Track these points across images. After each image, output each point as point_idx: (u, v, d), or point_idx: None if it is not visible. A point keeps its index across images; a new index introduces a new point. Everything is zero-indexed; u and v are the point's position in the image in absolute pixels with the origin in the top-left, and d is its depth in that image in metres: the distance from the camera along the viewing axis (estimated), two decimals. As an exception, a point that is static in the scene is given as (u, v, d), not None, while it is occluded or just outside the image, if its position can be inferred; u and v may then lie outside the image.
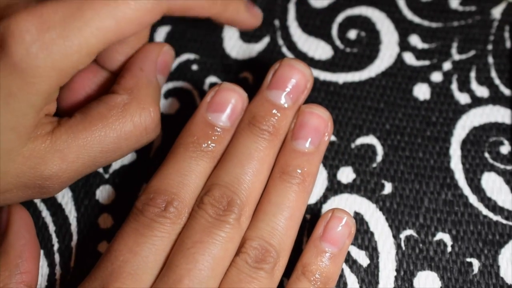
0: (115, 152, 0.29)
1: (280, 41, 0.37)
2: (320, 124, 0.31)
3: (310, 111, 0.31)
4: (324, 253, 0.29)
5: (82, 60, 0.26)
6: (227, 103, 0.30)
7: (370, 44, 0.37)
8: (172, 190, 0.29)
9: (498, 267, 0.31)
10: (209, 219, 0.28)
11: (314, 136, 0.30)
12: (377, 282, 0.31)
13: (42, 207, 0.33)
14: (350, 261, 0.32)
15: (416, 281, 0.31)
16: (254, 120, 0.30)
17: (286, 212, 0.29)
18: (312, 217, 0.33)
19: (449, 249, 0.32)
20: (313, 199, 0.33)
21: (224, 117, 0.30)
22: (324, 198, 0.33)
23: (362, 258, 0.32)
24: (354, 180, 0.33)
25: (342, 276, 0.31)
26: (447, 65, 0.36)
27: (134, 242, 0.28)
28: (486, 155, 0.34)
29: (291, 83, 0.31)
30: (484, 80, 0.36)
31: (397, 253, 0.32)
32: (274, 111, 0.30)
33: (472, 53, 0.36)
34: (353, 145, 0.34)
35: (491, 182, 0.33)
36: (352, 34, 0.37)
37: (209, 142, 0.30)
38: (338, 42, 0.37)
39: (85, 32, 0.26)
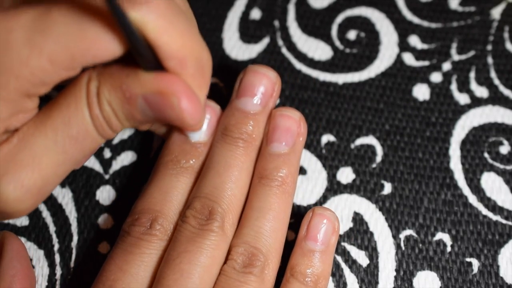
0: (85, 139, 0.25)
1: (280, 42, 0.37)
2: (292, 124, 0.31)
3: (280, 114, 0.31)
4: (310, 252, 0.29)
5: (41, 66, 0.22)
6: None
7: (370, 44, 0.37)
8: (156, 208, 0.29)
9: (498, 267, 0.31)
10: (193, 230, 0.28)
11: (287, 137, 0.31)
12: (376, 282, 0.31)
13: (42, 207, 0.33)
14: (350, 261, 0.32)
15: (415, 281, 0.31)
16: (227, 130, 0.31)
17: (269, 215, 0.29)
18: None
19: (448, 249, 0.32)
20: (313, 199, 0.33)
21: (201, 133, 0.31)
22: (324, 198, 0.33)
23: (361, 258, 0.32)
24: (354, 180, 0.33)
25: (342, 276, 0.31)
26: (446, 66, 0.36)
27: (124, 260, 0.28)
28: (486, 155, 0.34)
29: (257, 88, 0.31)
30: (484, 80, 0.36)
31: (396, 253, 0.32)
32: (244, 118, 0.31)
33: (471, 53, 0.37)
34: (352, 146, 0.34)
35: (491, 182, 0.33)
36: (352, 34, 0.37)
37: (188, 158, 0.30)
38: (337, 43, 0.37)
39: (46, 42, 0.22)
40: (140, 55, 0.23)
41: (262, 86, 0.31)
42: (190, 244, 0.28)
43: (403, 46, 0.37)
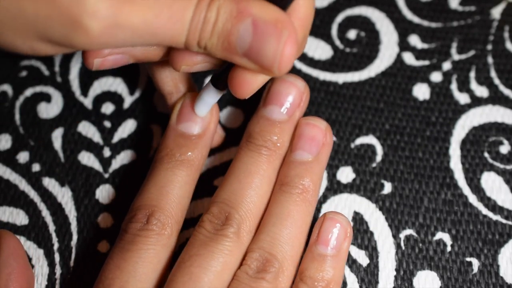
0: None
1: (280, 41, 0.37)
2: (317, 133, 0.31)
3: (306, 122, 0.31)
4: (320, 257, 0.29)
5: None
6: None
7: (370, 44, 0.37)
8: (152, 203, 0.29)
9: (498, 266, 0.31)
10: (207, 234, 0.28)
11: (311, 145, 0.30)
12: (376, 282, 0.31)
13: (42, 206, 0.33)
14: (349, 260, 0.32)
15: (415, 281, 0.31)
16: (251, 137, 0.30)
17: (287, 222, 0.29)
18: (312, 219, 0.33)
19: (448, 248, 0.32)
20: (313, 198, 0.33)
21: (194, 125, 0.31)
22: (324, 198, 0.33)
23: (361, 257, 0.32)
24: (354, 180, 0.33)
25: (342, 275, 0.31)
26: (446, 65, 0.36)
27: (121, 259, 0.28)
28: (486, 154, 0.34)
29: (284, 97, 0.31)
30: (484, 80, 0.36)
31: (396, 253, 0.32)
32: (269, 126, 0.30)
33: (471, 53, 0.37)
34: (352, 145, 0.34)
35: (491, 182, 0.33)
36: (352, 34, 0.37)
37: (183, 151, 0.30)
38: (338, 42, 0.37)
39: None
40: None
41: (290, 95, 0.31)
42: (202, 248, 0.27)
43: (403, 45, 0.37)
